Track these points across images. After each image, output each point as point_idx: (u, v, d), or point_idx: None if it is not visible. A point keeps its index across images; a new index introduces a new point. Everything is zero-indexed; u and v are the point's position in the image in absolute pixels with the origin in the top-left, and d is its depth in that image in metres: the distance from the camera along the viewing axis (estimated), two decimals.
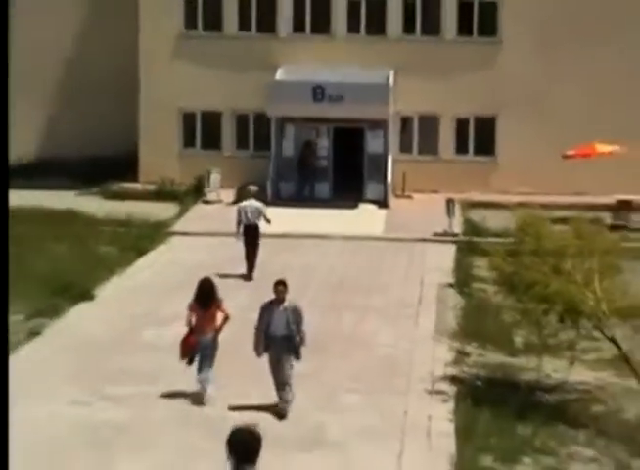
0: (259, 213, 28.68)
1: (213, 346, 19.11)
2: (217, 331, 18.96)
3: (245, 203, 29.34)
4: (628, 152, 35.09)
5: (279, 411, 17.90)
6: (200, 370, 19.00)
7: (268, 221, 28.53)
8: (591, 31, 38.40)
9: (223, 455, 8.83)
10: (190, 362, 18.88)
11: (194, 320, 19.05)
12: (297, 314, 17.92)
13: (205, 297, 19.07)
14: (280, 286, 17.95)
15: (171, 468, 16.21)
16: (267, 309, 18.00)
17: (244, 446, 8.98)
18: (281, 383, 17.84)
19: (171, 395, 18.79)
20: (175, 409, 18.10)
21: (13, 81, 42.58)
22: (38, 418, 14.70)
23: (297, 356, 17.99)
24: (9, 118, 43.78)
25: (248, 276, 28.22)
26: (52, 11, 42.64)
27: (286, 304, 17.90)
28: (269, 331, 17.83)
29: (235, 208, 29.94)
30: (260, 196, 31.90)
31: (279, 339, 17.78)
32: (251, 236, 28.47)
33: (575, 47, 38.53)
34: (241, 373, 19.75)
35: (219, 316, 19.11)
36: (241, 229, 28.52)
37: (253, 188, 30.74)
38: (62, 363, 20.90)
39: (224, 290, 22.34)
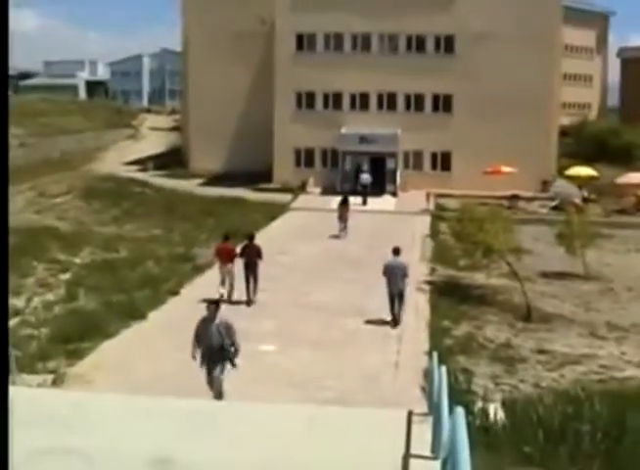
0: (368, 180, 34.82)
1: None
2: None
3: (363, 175, 35.41)
4: (516, 171, 35.05)
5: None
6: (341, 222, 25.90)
7: (367, 186, 34.58)
8: (495, 111, 38.12)
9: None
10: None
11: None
12: (228, 329, 10.91)
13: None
14: (212, 305, 11.09)
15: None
16: (203, 325, 11.01)
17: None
18: (215, 391, 10.90)
19: (288, 291, 18.83)
20: (290, 297, 18.14)
21: (209, 129, 42.33)
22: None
23: (233, 364, 10.96)
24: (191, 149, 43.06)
25: (363, 203, 33.22)
26: (235, 80, 42.40)
27: (217, 321, 10.88)
28: (206, 343, 10.91)
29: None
30: (334, 188, 36.95)
31: (215, 349, 10.86)
32: (364, 191, 34.34)
33: (491, 117, 38.23)
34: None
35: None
36: (359, 187, 34.44)
37: (365, 168, 36.03)
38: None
39: (323, 235, 23.21)
